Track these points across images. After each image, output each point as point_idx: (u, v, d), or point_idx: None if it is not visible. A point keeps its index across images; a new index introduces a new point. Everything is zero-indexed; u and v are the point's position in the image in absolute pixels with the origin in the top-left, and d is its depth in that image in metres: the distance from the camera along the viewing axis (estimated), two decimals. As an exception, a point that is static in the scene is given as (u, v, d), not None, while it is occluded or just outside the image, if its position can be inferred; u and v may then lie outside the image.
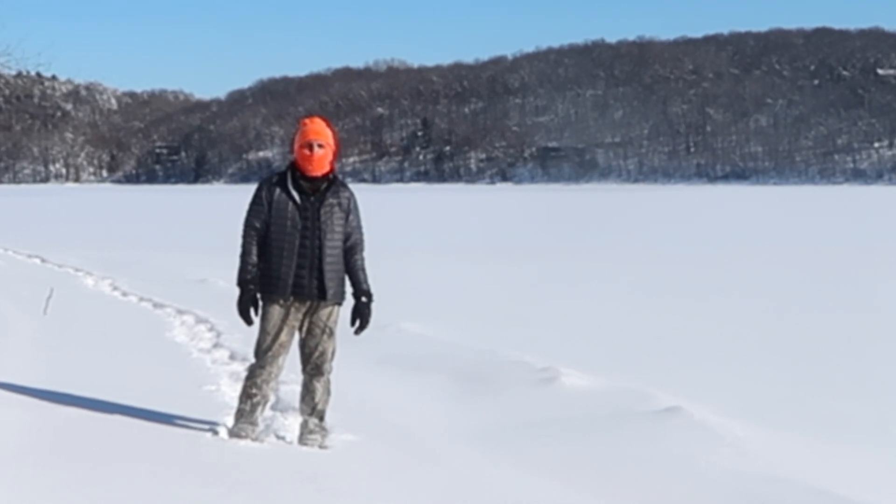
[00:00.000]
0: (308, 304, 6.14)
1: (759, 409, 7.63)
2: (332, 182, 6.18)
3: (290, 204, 6.10)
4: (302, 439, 6.29)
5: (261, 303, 6.18)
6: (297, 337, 6.25)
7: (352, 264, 6.23)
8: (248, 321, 6.20)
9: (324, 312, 6.18)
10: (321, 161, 6.13)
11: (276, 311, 6.14)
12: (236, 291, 6.19)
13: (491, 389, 8.17)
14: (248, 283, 6.15)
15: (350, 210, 6.20)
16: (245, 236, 6.19)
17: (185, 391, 7.79)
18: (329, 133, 6.19)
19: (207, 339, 10.61)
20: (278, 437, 6.44)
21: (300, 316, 6.16)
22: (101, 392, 7.32)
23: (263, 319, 6.18)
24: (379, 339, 10.67)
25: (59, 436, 6.02)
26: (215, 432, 6.29)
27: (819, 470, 6.01)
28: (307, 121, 6.27)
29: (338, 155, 6.31)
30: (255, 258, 6.15)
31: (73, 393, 7.21)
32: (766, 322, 12.66)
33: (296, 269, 6.07)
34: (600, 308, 13.95)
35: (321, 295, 6.11)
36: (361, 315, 6.24)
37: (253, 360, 6.29)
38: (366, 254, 6.30)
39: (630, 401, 7.56)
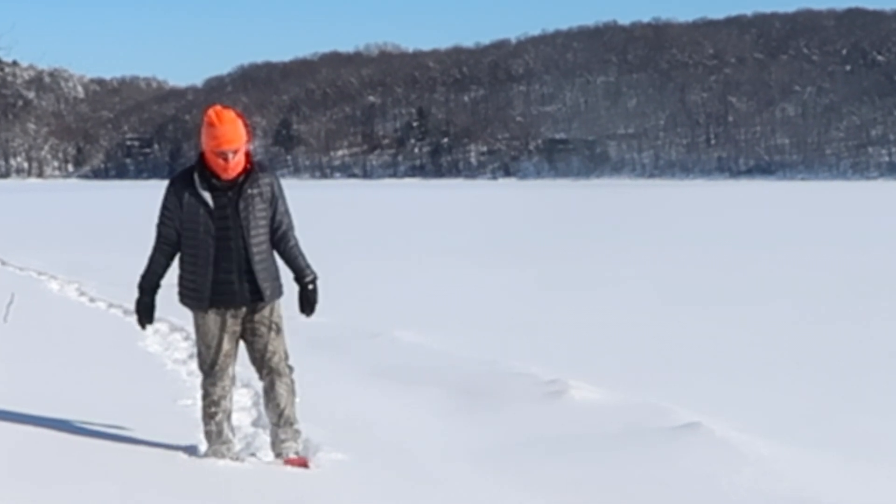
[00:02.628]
0: (243, 309, 6.16)
1: (786, 426, 7.64)
2: (249, 173, 6.10)
3: (202, 208, 6.03)
4: (275, 448, 6.30)
5: (192, 314, 6.24)
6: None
7: (287, 252, 6.23)
8: (142, 324, 6.33)
9: (265, 311, 6.20)
10: (237, 166, 6.05)
11: (211, 319, 6.15)
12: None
13: (493, 404, 8.18)
14: (143, 290, 6.24)
15: (274, 197, 6.15)
16: (154, 245, 6.22)
17: (158, 406, 7.80)
18: (242, 132, 6.04)
19: (183, 350, 10.62)
20: (259, 457, 6.44)
21: (239, 321, 6.19)
22: (66, 407, 7.33)
23: (199, 332, 6.23)
24: (371, 348, 10.71)
25: (17, 455, 6.02)
26: (192, 451, 6.30)
27: (849, 492, 6.02)
28: (215, 120, 6.00)
29: (251, 139, 6.21)
30: (160, 267, 6.23)
31: (34, 407, 7.22)
32: (794, 331, 12.67)
33: (217, 276, 6.06)
34: (612, 315, 13.96)
35: (256, 298, 6.13)
36: (309, 300, 6.30)
37: (202, 378, 6.30)
38: (298, 233, 6.30)
39: (645, 416, 7.57)
